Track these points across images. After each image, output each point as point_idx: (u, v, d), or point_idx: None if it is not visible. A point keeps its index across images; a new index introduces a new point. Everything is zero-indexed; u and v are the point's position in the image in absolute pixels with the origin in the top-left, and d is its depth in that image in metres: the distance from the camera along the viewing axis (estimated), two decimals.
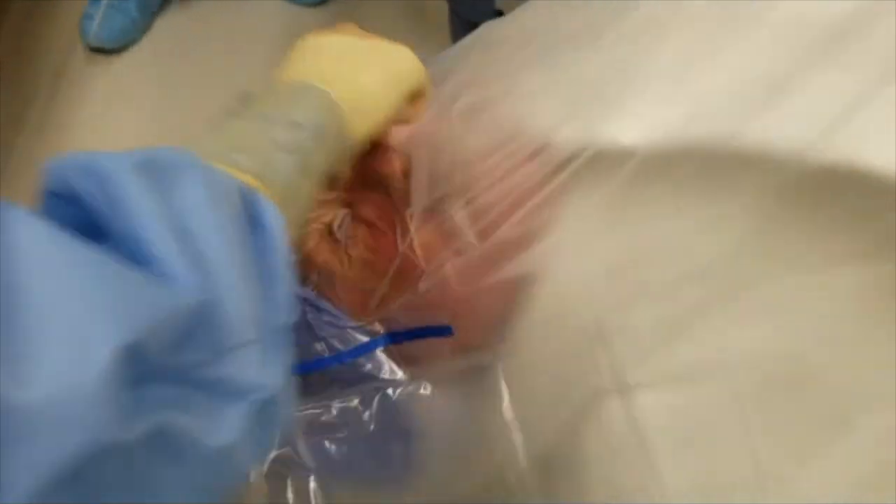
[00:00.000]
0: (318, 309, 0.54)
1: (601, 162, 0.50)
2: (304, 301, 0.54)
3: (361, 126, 0.47)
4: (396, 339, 0.52)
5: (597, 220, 0.52)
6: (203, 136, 0.41)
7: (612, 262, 0.52)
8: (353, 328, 0.54)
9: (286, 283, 0.36)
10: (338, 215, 0.54)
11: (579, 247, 0.52)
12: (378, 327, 0.54)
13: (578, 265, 0.52)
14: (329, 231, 0.54)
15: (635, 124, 0.49)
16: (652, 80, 0.50)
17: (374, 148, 0.53)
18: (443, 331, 0.51)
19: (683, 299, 0.48)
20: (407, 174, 0.53)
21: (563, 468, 0.51)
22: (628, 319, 0.50)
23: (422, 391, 0.51)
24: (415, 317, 0.54)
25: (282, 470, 0.51)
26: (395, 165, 0.53)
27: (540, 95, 0.53)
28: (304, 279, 0.54)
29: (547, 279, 0.53)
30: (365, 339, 0.53)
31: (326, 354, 0.53)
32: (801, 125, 0.47)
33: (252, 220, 0.36)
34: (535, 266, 0.52)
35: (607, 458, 0.49)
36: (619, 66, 0.52)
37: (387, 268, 0.53)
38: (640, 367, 0.50)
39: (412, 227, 0.53)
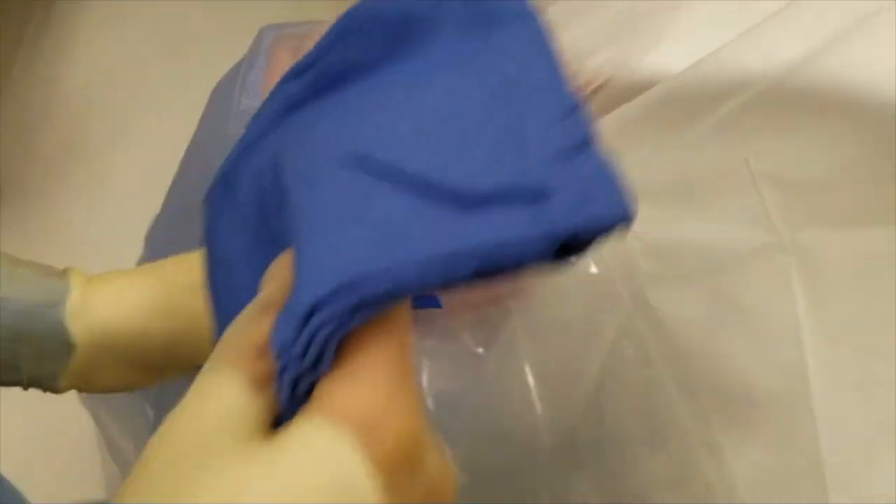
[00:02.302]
0: None
1: (639, 91, 0.43)
2: None
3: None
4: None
5: (633, 161, 0.45)
6: None
7: (651, 207, 0.45)
8: None
9: None
10: None
11: None
12: None
13: None
14: None
15: (680, 52, 0.43)
16: (701, 3, 0.43)
17: None
18: (429, 302, 0.43)
19: (732, 252, 0.42)
20: None
21: (590, 443, 0.46)
22: (667, 269, 0.44)
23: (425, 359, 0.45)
24: None
25: None
26: None
27: (570, 18, 0.46)
28: None
29: None
30: None
31: None
32: (869, 59, 0.41)
33: None
34: None
35: (643, 432, 0.44)
36: None
37: None
38: (687, 331, 0.44)
39: None
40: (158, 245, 0.54)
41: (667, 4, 0.44)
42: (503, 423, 0.45)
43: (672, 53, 0.43)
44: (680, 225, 0.43)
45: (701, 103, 0.41)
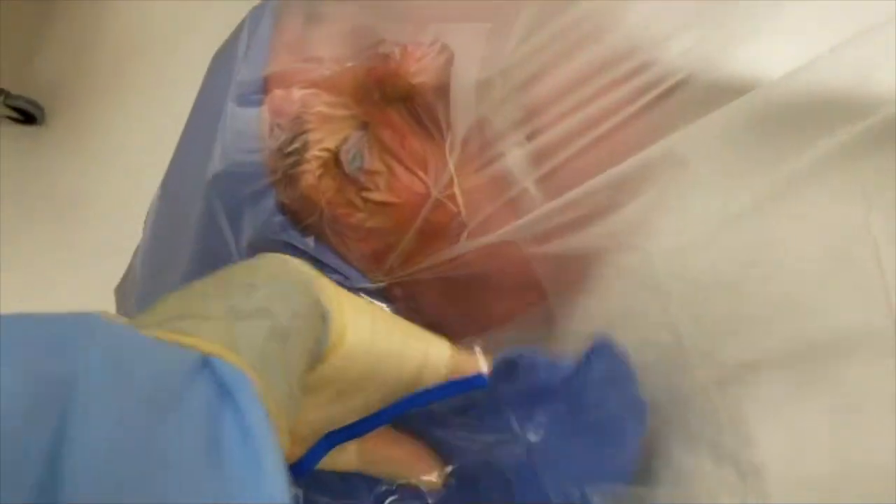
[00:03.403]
0: (321, 264, 0.41)
1: (726, 94, 0.34)
2: (303, 254, 0.41)
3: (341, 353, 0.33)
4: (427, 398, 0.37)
5: (713, 173, 0.36)
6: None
7: (730, 232, 0.36)
8: (366, 290, 0.41)
9: (272, 465, 0.25)
10: (349, 139, 0.39)
11: (684, 209, 0.37)
12: (398, 292, 0.41)
13: (680, 235, 0.37)
14: (335, 161, 0.39)
15: (785, 50, 0.33)
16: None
17: (402, 49, 0.38)
18: (474, 382, 0.36)
19: (834, 334, 0.33)
20: (444, 88, 0.38)
21: None
22: (754, 350, 0.35)
23: None
24: (445, 281, 0.40)
25: None
26: (429, 73, 0.38)
27: (650, 3, 0.36)
28: (302, 224, 0.41)
29: (633, 248, 0.38)
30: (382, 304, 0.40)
31: None
32: None
33: (223, 394, 0.25)
34: (623, 234, 0.37)
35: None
36: None
37: (412, 216, 0.39)
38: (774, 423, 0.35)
39: (451, 165, 0.38)
40: (155, 238, 0.47)
41: None
42: None
43: (773, 51, 0.33)
44: (767, 292, 0.34)
45: (810, 124, 0.32)
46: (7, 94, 1.35)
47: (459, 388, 0.36)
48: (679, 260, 0.35)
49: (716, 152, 0.34)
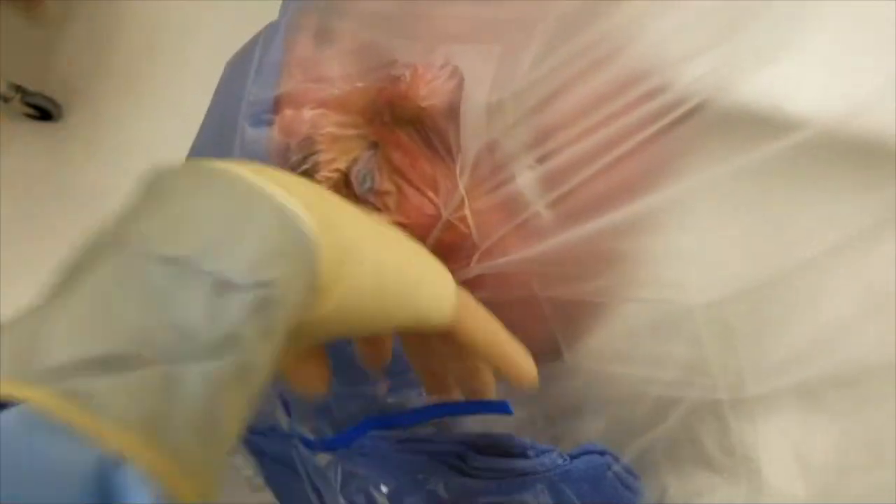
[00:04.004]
0: None
1: (742, 120, 0.34)
2: None
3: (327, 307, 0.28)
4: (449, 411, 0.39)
5: (726, 202, 0.35)
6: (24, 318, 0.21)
7: (742, 261, 0.36)
8: None
9: None
10: (359, 159, 0.39)
11: (696, 235, 0.36)
12: None
13: (694, 262, 0.37)
14: (346, 182, 0.39)
15: (797, 79, 0.33)
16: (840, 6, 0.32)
17: (413, 72, 0.37)
18: (500, 407, 0.38)
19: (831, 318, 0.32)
20: (455, 110, 0.37)
21: None
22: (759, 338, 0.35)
23: None
24: None
25: None
26: (439, 97, 0.37)
27: (658, 9, 0.35)
28: None
29: (646, 273, 0.37)
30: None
31: None
32: None
33: None
34: (637, 261, 0.37)
35: None
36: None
37: (422, 237, 0.38)
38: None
39: (462, 186, 0.37)
40: None
41: (791, 4, 0.33)
42: None
43: (790, 78, 0.32)
44: (798, 332, 0.33)
45: (845, 166, 0.31)
46: (24, 91, 1.36)
47: (485, 409, 0.37)
48: (717, 312, 0.35)
49: (744, 193, 0.33)
